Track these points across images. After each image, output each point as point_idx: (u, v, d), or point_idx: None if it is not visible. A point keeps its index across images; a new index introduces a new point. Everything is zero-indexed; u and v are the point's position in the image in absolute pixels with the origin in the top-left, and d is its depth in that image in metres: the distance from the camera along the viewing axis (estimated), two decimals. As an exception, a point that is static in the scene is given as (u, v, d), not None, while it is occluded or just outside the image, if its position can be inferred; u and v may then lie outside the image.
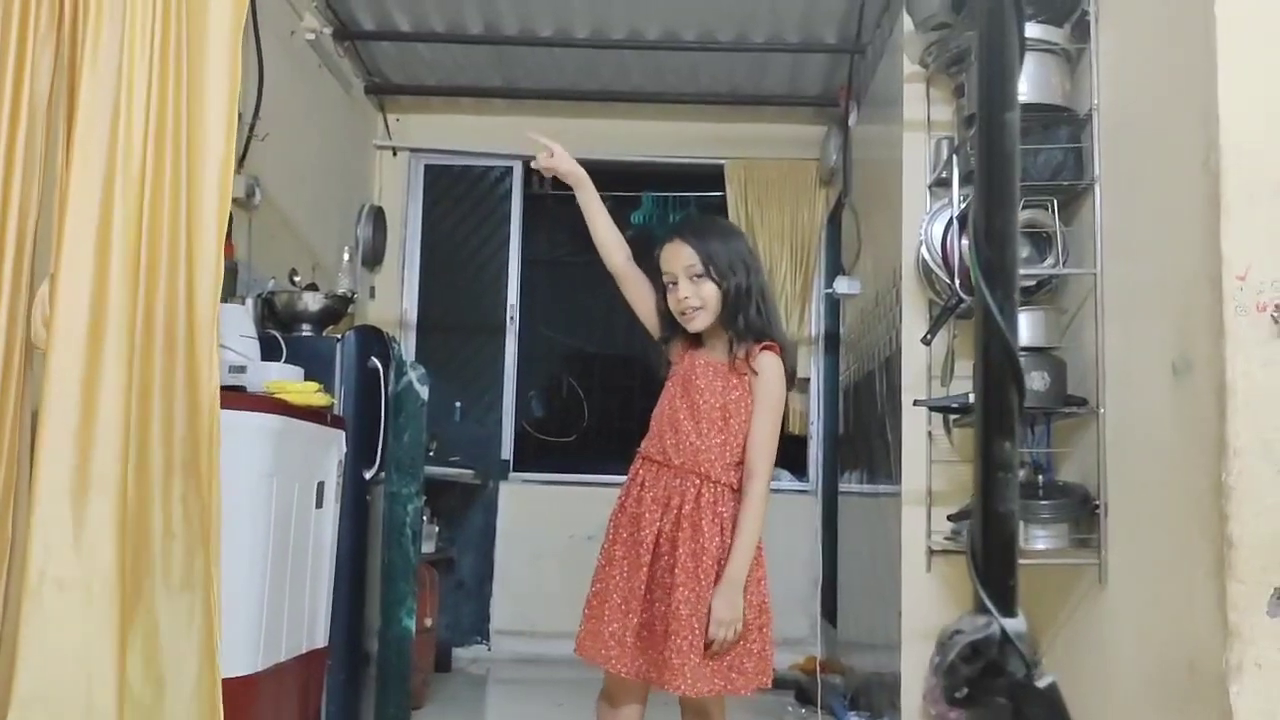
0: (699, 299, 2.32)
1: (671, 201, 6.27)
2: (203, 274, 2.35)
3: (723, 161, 5.77)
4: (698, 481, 2.28)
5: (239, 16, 2.41)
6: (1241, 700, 2.10)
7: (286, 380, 3.00)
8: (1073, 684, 2.87)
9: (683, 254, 2.33)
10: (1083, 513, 2.90)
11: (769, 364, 2.33)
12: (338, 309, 3.70)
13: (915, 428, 3.42)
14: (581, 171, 2.47)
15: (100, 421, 2.25)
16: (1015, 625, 0.72)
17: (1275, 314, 2.16)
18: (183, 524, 2.31)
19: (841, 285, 4.48)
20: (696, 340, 2.42)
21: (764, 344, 2.34)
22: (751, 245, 2.46)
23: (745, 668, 2.25)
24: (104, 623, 2.22)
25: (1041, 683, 0.72)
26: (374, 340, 3.55)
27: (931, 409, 3.27)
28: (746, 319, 2.32)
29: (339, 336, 3.43)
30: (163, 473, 2.32)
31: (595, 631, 2.29)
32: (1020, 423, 0.74)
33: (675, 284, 2.34)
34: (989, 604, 0.71)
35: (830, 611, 5.02)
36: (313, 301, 3.61)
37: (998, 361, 0.74)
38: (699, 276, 2.32)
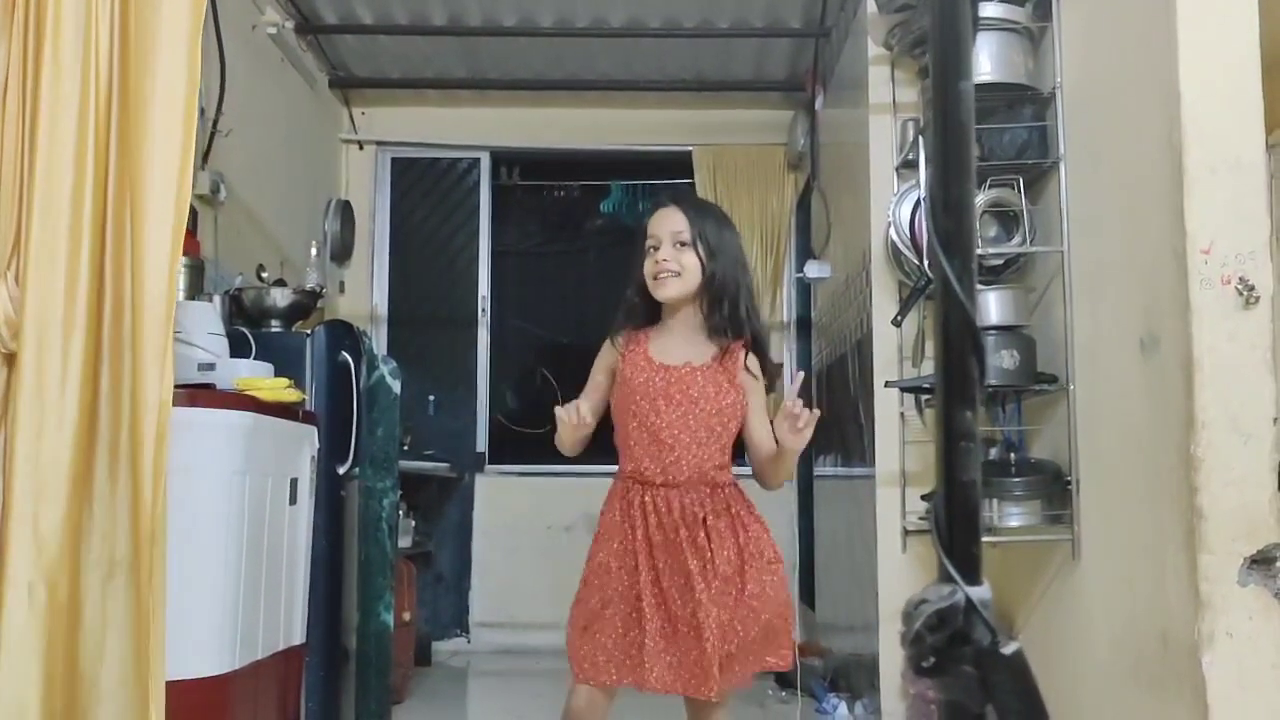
0: (678, 264, 2.25)
1: (640, 189, 6.26)
2: (155, 274, 2.30)
3: (690, 148, 5.76)
4: (707, 490, 2.26)
5: (197, 9, 2.38)
6: (1214, 670, 2.13)
7: (256, 377, 2.97)
8: (1048, 658, 2.89)
9: (674, 219, 2.28)
10: (1055, 489, 2.92)
11: (757, 365, 2.34)
12: (306, 304, 3.67)
13: (888, 409, 3.43)
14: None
15: (64, 420, 2.23)
16: (980, 593, 0.72)
17: (1240, 287, 2.18)
18: (112, 522, 2.28)
19: (812, 269, 4.48)
20: (648, 323, 2.34)
21: (742, 341, 2.30)
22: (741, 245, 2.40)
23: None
24: (50, 622, 2.20)
25: (1007, 650, 0.72)
26: (344, 335, 3.52)
27: (903, 390, 3.28)
28: (733, 311, 2.28)
29: (308, 332, 3.40)
30: (106, 472, 2.30)
31: (662, 662, 2.18)
32: (981, 391, 0.74)
33: (657, 248, 2.27)
34: (953, 572, 0.72)
35: (808, 595, 5.04)
36: (281, 297, 3.58)
37: (957, 331, 0.74)
38: (684, 245, 2.26)
